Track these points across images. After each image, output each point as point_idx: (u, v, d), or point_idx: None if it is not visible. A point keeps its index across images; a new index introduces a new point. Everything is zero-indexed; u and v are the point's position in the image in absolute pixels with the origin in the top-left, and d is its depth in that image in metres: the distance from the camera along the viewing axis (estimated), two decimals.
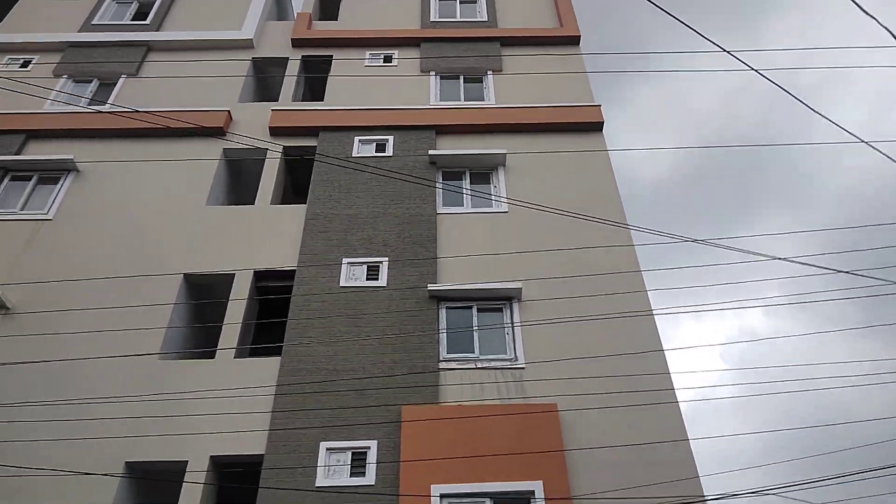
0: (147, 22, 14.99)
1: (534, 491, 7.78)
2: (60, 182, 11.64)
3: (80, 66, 13.74)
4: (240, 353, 9.58)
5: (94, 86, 13.58)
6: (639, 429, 8.38)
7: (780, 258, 7.86)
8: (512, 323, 9.54)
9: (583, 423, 8.43)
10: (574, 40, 14.67)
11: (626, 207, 11.23)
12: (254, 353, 9.94)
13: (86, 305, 9.51)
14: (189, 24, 15.12)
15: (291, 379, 8.85)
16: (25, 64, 13.88)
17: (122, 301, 9.61)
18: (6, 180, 11.69)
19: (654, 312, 9.46)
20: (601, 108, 12.88)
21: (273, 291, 10.47)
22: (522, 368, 9.07)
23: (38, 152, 12.06)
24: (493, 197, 11.34)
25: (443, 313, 9.76)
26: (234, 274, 10.28)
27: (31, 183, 11.62)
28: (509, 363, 9.16)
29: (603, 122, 12.63)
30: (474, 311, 9.83)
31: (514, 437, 8.17)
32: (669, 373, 8.97)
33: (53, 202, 11.30)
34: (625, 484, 7.71)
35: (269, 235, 10.89)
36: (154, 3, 15.55)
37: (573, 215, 9.42)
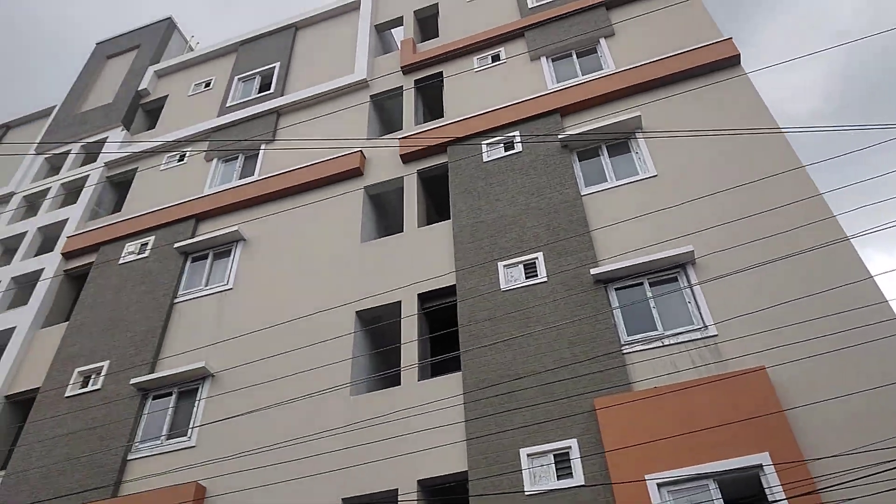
0: (272, 91, 16.09)
1: (761, 464, 7.02)
2: (232, 253, 12.71)
3: (226, 147, 15.01)
4: (422, 376, 9.74)
5: (240, 161, 14.76)
6: (866, 372, 7.31)
7: None
8: (691, 287, 8.82)
9: (798, 379, 7.51)
10: None
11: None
12: (434, 372, 10.07)
13: (275, 355, 10.20)
14: (308, 81, 16.00)
15: (477, 391, 8.81)
16: (181, 157, 15.45)
17: (305, 346, 10.19)
18: (188, 263, 12.99)
19: (853, 236, 8.27)
20: (732, 40, 11.74)
21: (439, 309, 10.59)
22: (715, 336, 8.32)
23: (209, 231, 13.27)
24: (634, 148, 10.64)
25: (613, 295, 9.27)
26: (400, 300, 10.53)
27: (209, 260, 12.81)
28: (699, 332, 8.44)
29: (739, 55, 11.49)
30: (646, 286, 9.23)
31: (724, 410, 7.45)
32: (887, 300, 7.76)
33: (230, 272, 12.34)
34: (866, 440, 6.71)
35: (424, 257, 11.07)
36: (273, 71, 16.68)
37: (723, 133, 8.53)
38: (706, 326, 8.42)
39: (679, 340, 8.45)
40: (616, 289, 9.34)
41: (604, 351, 8.57)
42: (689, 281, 8.92)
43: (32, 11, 60.34)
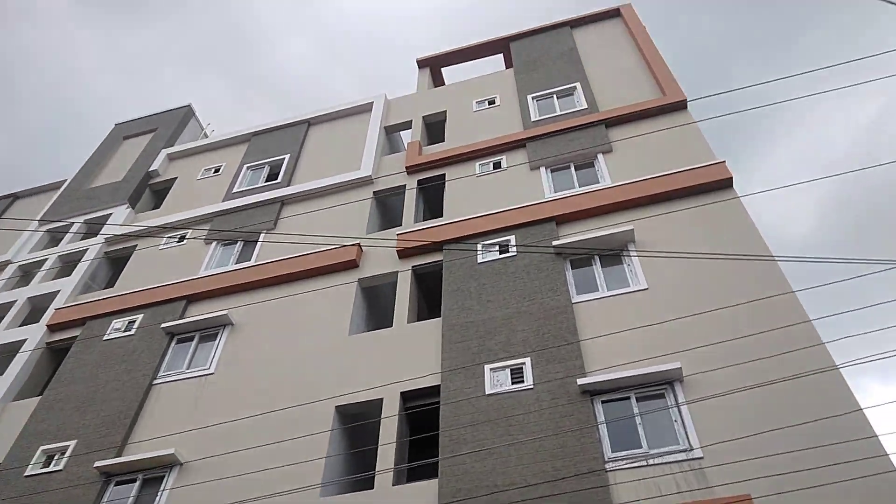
0: (279, 180, 16.51)
1: None
2: (218, 337, 12.56)
3: (226, 231, 15.21)
4: (397, 480, 9.33)
5: (239, 246, 14.90)
6: None
7: None
8: (678, 406, 8.60)
9: None
10: (681, 105, 14.22)
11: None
12: (410, 475, 9.65)
13: (248, 448, 9.81)
14: (314, 174, 16.45)
15: (453, 501, 8.39)
16: (182, 238, 15.61)
17: (281, 439, 9.83)
18: (173, 344, 12.81)
19: (843, 365, 8.15)
20: (726, 163, 12.13)
21: (421, 410, 10.30)
22: (701, 458, 8.01)
23: (198, 313, 13.19)
24: (626, 261, 10.71)
25: (599, 408, 9.03)
26: (382, 398, 10.27)
27: (194, 342, 12.64)
28: (684, 454, 8.14)
29: (732, 178, 11.83)
30: (633, 400, 9.01)
31: None
32: (877, 435, 7.53)
33: (213, 357, 12.15)
34: None
35: (411, 354, 10.91)
36: (283, 162, 17.18)
37: (716, 257, 8.59)
38: (692, 448, 8.13)
39: (664, 461, 8.13)
40: (602, 401, 9.11)
41: (587, 468, 8.23)
42: (676, 398, 8.72)
43: (62, 88, 63.31)
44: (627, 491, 7.91)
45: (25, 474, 10.90)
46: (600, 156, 13.72)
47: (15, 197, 20.67)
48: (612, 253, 11.32)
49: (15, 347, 14.09)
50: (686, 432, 8.32)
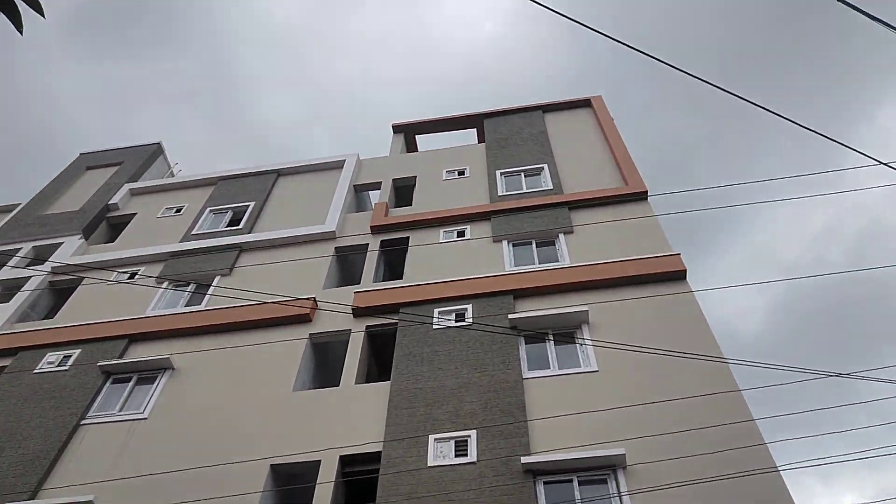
0: (240, 226, 16.37)
1: None
2: (157, 381, 12.08)
3: (180, 272, 14.88)
4: None
5: (190, 289, 14.57)
6: None
7: None
8: (619, 494, 8.54)
9: None
10: (641, 196, 14.80)
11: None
12: None
13: (175, 502, 9.31)
14: (278, 223, 16.40)
15: None
16: (132, 276, 15.20)
17: (210, 495, 9.36)
18: (108, 383, 12.26)
19: (783, 468, 8.27)
20: (681, 256, 12.56)
21: (360, 476, 9.99)
22: None
23: (139, 355, 12.71)
24: (580, 343, 10.82)
25: (540, 489, 8.91)
26: (320, 460, 9.94)
27: (130, 384, 12.12)
28: None
29: (685, 271, 12.23)
30: (575, 484, 8.92)
31: None
32: None
33: (149, 401, 11.64)
34: None
35: (355, 417, 10.66)
36: (247, 209, 17.09)
37: (667, 353, 8.77)
38: None
39: None
40: (545, 482, 9.00)
41: None
42: (618, 485, 8.67)
43: (37, 112, 62.38)
44: None
45: None
46: (561, 236, 14.06)
47: None
48: (566, 332, 11.44)
49: None
50: None
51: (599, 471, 8.94)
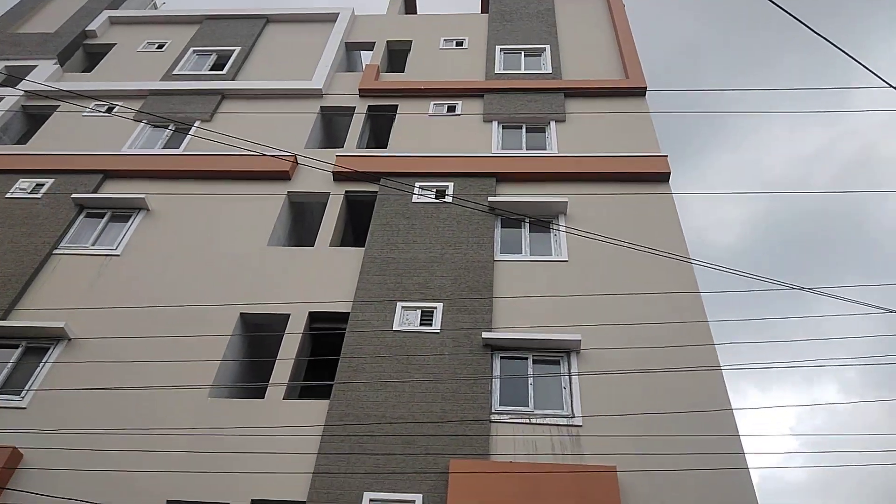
0: (224, 72, 15.71)
1: None
2: (131, 220, 12.06)
3: (159, 112, 14.42)
4: (289, 394, 9.43)
5: (169, 131, 14.19)
6: (706, 498, 7.66)
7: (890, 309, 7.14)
8: (570, 375, 9.05)
9: (644, 487, 7.78)
10: (640, 92, 14.44)
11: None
12: (303, 394, 9.79)
13: (142, 336, 9.63)
14: (263, 74, 15.77)
15: (339, 423, 8.60)
16: (109, 110, 14.69)
17: (179, 333, 9.69)
18: (81, 217, 12.21)
19: (725, 368, 8.79)
20: (668, 158, 12.50)
21: (326, 334, 10.37)
22: (580, 426, 8.52)
23: (113, 191, 12.59)
24: (554, 230, 10.99)
25: (497, 363, 9.38)
26: (290, 314, 10.25)
27: (104, 220, 12.09)
28: (566, 419, 8.63)
29: (669, 173, 12.22)
30: (530, 362, 9.41)
31: (568, 499, 7.60)
32: (739, 434, 8.24)
33: (122, 239, 11.68)
34: None
35: (326, 278, 10.87)
36: (232, 54, 16.33)
37: (636, 247, 9.00)
38: (573, 416, 8.63)
39: (546, 422, 8.60)
40: (501, 357, 9.46)
41: (472, 416, 8.59)
42: (569, 368, 9.16)
43: None
44: (506, 443, 8.34)
45: None
46: (553, 123, 13.81)
47: None
48: (543, 220, 11.55)
49: None
50: (571, 401, 8.80)
51: (554, 352, 9.41)
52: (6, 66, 16.14)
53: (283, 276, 10.96)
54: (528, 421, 8.62)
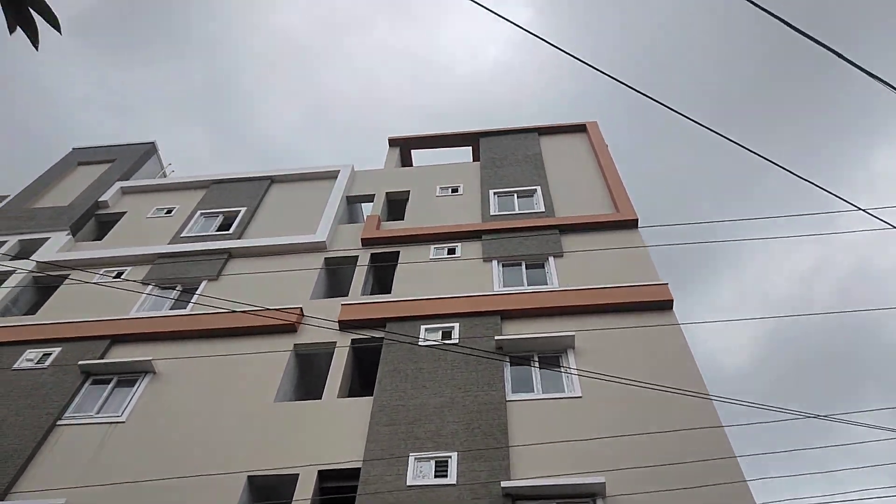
0: (230, 231, 16.30)
1: None
2: (137, 384, 11.95)
3: (167, 274, 14.78)
4: None
5: (176, 292, 14.46)
6: None
7: None
8: None
9: None
10: (632, 224, 14.92)
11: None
12: None
13: None
14: (268, 231, 16.35)
15: None
16: (119, 275, 15.06)
17: None
18: (87, 384, 12.11)
19: None
20: (668, 286, 12.65)
21: (338, 492, 9.91)
22: None
23: (120, 356, 12.58)
24: (564, 371, 10.83)
25: None
26: (298, 474, 9.86)
27: (110, 386, 11.98)
28: None
29: (672, 301, 12.31)
30: None
31: None
32: None
33: (128, 404, 11.51)
34: None
35: (336, 431, 10.59)
36: (238, 214, 17.03)
37: (657, 388, 8.80)
38: None
39: None
40: None
41: None
42: None
43: (37, 112, 62.01)
44: None
45: None
46: (551, 259, 14.13)
47: None
48: (552, 356, 11.47)
49: None
50: None
51: (579, 499, 8.93)
52: (19, 241, 16.75)
53: (291, 433, 10.67)
54: None
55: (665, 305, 12.25)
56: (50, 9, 2.57)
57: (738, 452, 9.15)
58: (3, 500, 9.84)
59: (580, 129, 20.24)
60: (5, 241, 16.80)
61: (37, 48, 2.60)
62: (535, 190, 16.79)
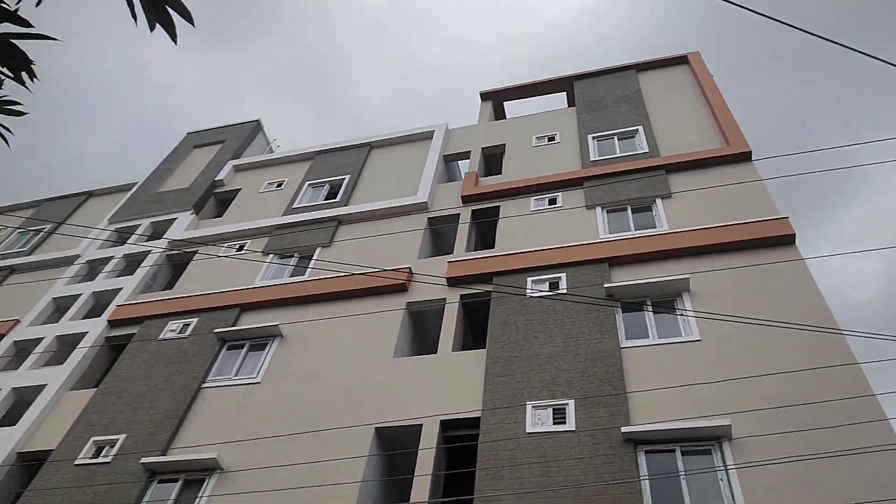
0: (337, 199, 16.94)
1: None
2: (267, 348, 12.87)
3: (284, 244, 15.66)
4: None
5: (294, 260, 15.32)
6: None
7: None
8: (726, 469, 8.38)
9: None
10: (745, 157, 14.07)
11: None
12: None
13: (288, 462, 9.99)
14: (372, 196, 16.84)
15: None
16: (241, 248, 16.13)
17: (320, 456, 9.98)
18: (224, 350, 13.18)
19: None
20: (789, 219, 11.91)
21: (460, 440, 10.31)
22: None
23: (250, 322, 13.56)
24: (680, 314, 10.55)
25: (642, 458, 8.88)
26: (422, 425, 10.34)
27: (244, 350, 12.98)
28: None
29: (794, 235, 11.59)
30: (678, 454, 8.83)
31: None
32: None
33: (261, 366, 12.44)
34: None
35: (453, 383, 10.96)
36: (343, 182, 17.64)
37: (784, 325, 8.40)
38: None
39: None
40: (646, 451, 8.96)
41: None
42: (723, 457, 8.50)
43: (152, 102, 66.54)
44: None
45: (76, 463, 11.32)
46: (658, 200, 13.64)
47: (89, 195, 21.73)
48: (666, 301, 11.20)
49: (76, 339, 14.72)
50: (732, 493, 8.10)
51: (703, 442, 8.80)
52: (151, 223, 18.25)
53: (411, 386, 11.16)
54: None
55: (786, 240, 11.56)
56: (184, 4, 2.76)
57: (876, 390, 8.62)
58: (164, 455, 11.02)
59: (681, 61, 19.13)
60: (139, 224, 18.36)
61: (175, 42, 2.81)
62: (637, 130, 16.16)
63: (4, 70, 2.77)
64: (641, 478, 8.50)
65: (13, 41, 2.72)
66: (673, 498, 8.32)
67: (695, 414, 9.00)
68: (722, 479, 8.32)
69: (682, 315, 10.77)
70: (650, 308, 11.18)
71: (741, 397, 8.96)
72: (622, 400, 9.52)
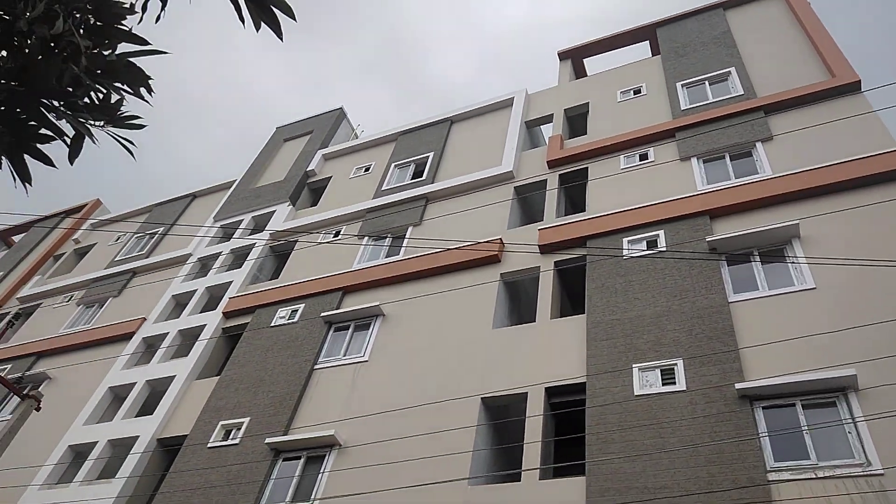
0: (424, 178, 17.12)
1: None
2: (371, 327, 13.31)
3: (377, 227, 16.05)
4: (543, 475, 9.41)
5: (388, 241, 15.68)
6: None
7: None
8: (854, 421, 7.90)
9: None
10: (853, 87, 12.95)
11: None
12: (557, 472, 9.69)
13: (400, 436, 10.36)
14: (457, 171, 16.88)
15: (601, 500, 8.35)
16: (337, 234, 16.69)
17: (430, 428, 10.27)
18: (331, 332, 13.76)
19: None
20: None
21: (567, 406, 10.30)
22: (881, 475, 7.34)
23: (352, 304, 14.06)
24: (791, 262, 9.95)
25: (759, 414, 8.53)
26: (527, 392, 10.39)
27: (350, 331, 13.49)
28: (861, 469, 7.49)
29: None
30: (799, 408, 8.41)
31: None
32: None
33: (367, 345, 12.90)
34: None
35: (555, 350, 10.92)
36: (427, 160, 17.79)
37: None
38: (869, 462, 7.46)
39: (837, 474, 7.54)
40: (763, 407, 8.60)
41: (746, 475, 7.83)
42: (850, 408, 8.02)
43: (251, 106, 69.61)
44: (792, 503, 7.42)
45: (208, 446, 12.25)
46: (759, 145, 12.85)
47: (193, 196, 23.11)
48: (774, 250, 10.59)
49: (196, 332, 15.83)
50: (862, 445, 7.64)
51: (827, 394, 8.33)
52: (253, 217, 19.19)
53: (513, 355, 11.22)
54: (813, 476, 7.62)
55: None
56: (286, 2, 2.86)
57: None
58: (286, 435, 11.71)
59: None
60: (242, 220, 19.36)
61: (281, 39, 2.92)
62: (729, 72, 15.22)
63: (125, 87, 2.96)
64: (761, 434, 8.17)
65: (131, 59, 2.90)
66: (797, 453, 7.96)
67: (815, 366, 8.52)
68: (850, 433, 7.86)
69: (793, 263, 10.16)
70: (758, 259, 10.62)
71: (865, 346, 8.39)
72: (734, 356, 9.15)
